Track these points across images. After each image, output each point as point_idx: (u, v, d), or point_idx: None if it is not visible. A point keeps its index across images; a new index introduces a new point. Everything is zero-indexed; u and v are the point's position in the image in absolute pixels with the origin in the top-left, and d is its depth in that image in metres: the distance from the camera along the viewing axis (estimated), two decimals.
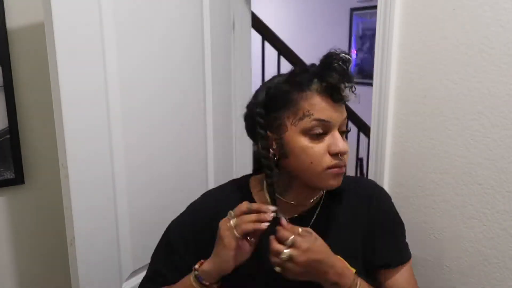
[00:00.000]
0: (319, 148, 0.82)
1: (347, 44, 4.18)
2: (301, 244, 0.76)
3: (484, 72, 1.07)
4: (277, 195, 0.88)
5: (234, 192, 0.97)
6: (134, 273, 1.31)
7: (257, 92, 0.91)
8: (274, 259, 0.77)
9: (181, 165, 1.45)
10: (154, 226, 1.36)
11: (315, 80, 0.82)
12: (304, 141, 0.82)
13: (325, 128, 0.82)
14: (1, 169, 1.40)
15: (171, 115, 1.38)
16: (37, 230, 1.51)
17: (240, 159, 1.80)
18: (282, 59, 2.85)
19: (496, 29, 1.04)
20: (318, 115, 0.81)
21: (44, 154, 1.47)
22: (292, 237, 0.76)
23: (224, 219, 0.82)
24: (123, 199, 1.24)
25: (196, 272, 0.85)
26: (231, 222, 0.80)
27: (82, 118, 1.10)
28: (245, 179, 1.00)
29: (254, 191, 0.96)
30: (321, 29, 4.41)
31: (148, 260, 1.05)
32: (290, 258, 0.75)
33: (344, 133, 0.87)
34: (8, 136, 1.39)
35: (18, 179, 1.43)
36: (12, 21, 1.36)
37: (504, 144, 1.06)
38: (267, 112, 0.86)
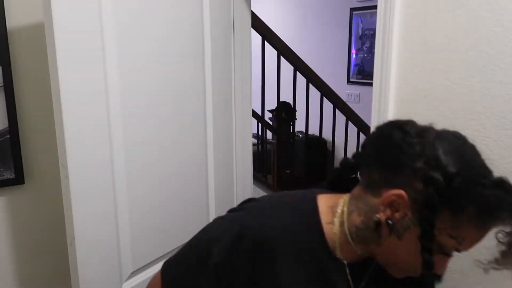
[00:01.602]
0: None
1: (347, 44, 4.18)
2: None
3: (484, 72, 1.07)
4: (350, 239, 0.76)
5: (295, 221, 0.78)
6: (134, 273, 1.31)
7: (450, 152, 0.68)
8: None
9: (181, 164, 1.45)
10: (154, 226, 1.36)
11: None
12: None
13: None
14: (1, 169, 1.40)
15: (171, 115, 1.38)
16: (37, 230, 1.51)
17: (240, 158, 1.80)
18: (282, 59, 2.85)
19: (496, 29, 1.04)
20: (464, 245, 0.71)
21: (44, 154, 1.47)
22: None
23: None
24: (123, 199, 1.24)
25: None
26: None
27: (82, 118, 1.10)
28: (312, 199, 0.81)
29: (324, 222, 0.78)
30: (321, 29, 4.41)
31: (148, 260, 1.05)
32: None
33: None
34: (8, 136, 1.39)
35: (18, 179, 1.43)
36: (12, 21, 1.36)
37: (504, 144, 1.06)
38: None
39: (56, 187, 1.21)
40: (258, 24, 2.55)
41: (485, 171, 0.69)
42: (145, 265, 1.33)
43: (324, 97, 3.20)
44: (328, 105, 3.22)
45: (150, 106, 1.30)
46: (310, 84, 3.09)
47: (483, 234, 0.69)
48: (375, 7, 1.30)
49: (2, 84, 1.36)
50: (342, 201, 0.79)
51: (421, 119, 1.22)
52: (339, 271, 0.78)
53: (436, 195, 0.65)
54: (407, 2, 1.19)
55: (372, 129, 1.33)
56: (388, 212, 0.70)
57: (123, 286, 1.28)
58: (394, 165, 0.70)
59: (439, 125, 1.19)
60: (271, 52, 2.82)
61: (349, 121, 3.39)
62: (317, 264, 0.76)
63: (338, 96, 3.31)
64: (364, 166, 0.78)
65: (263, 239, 0.74)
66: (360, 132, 3.43)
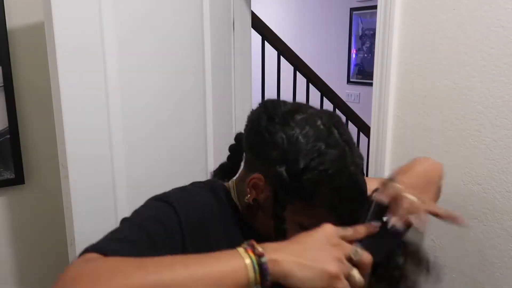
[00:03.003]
0: (297, 233, 0.74)
1: (347, 44, 4.17)
2: None
3: (484, 72, 1.07)
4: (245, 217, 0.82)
5: (219, 203, 0.82)
6: None
7: (299, 145, 0.70)
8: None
9: (182, 164, 1.45)
10: None
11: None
12: (291, 228, 0.73)
13: None
14: (1, 169, 1.40)
15: (171, 114, 1.38)
16: (37, 230, 1.51)
17: None
18: (282, 59, 2.85)
19: (496, 29, 1.04)
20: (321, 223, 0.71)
21: (44, 154, 1.47)
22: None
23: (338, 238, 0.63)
24: (123, 199, 1.24)
25: (263, 259, 0.55)
26: (355, 272, 0.60)
27: (82, 118, 1.10)
28: (221, 187, 0.85)
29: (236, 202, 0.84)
30: (321, 29, 4.40)
31: None
32: None
33: None
34: (8, 136, 1.39)
35: (18, 179, 1.43)
36: (12, 21, 1.36)
37: (504, 144, 1.06)
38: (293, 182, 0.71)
39: (56, 187, 1.21)
40: (258, 24, 2.54)
41: (338, 164, 0.70)
42: None
43: (324, 97, 3.19)
44: (328, 105, 3.22)
45: (150, 106, 1.30)
46: (310, 84, 3.09)
47: (335, 215, 0.72)
48: (375, 7, 1.30)
49: (2, 84, 1.36)
50: (232, 184, 0.85)
51: (421, 119, 1.22)
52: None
53: (281, 189, 0.70)
54: (407, 2, 1.19)
55: (372, 128, 1.33)
56: (254, 193, 0.75)
57: None
58: (258, 151, 0.75)
59: (439, 125, 1.19)
60: (271, 52, 2.81)
61: (349, 121, 3.38)
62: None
63: (338, 96, 3.31)
64: (244, 148, 0.82)
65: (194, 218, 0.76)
66: (360, 132, 3.43)
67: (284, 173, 0.70)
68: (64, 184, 1.10)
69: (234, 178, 0.88)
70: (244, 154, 0.84)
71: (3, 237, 1.46)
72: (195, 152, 1.52)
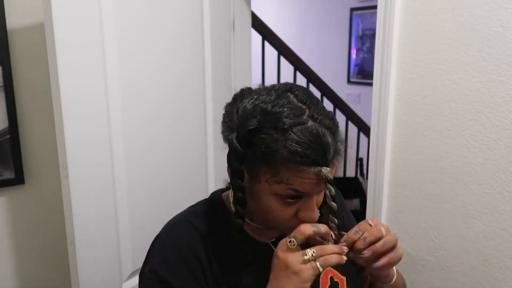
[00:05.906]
0: (288, 212, 0.71)
1: (347, 44, 4.18)
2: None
3: (484, 72, 1.07)
4: (246, 219, 0.79)
5: (210, 215, 0.84)
6: (134, 273, 1.31)
7: (247, 111, 0.71)
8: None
9: (181, 165, 1.45)
10: (154, 226, 1.36)
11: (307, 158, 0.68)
12: (274, 202, 0.71)
13: (300, 196, 0.71)
14: (1, 169, 1.40)
15: (171, 114, 1.38)
16: (37, 230, 1.51)
17: None
18: (282, 59, 2.85)
19: (496, 29, 1.04)
20: (297, 186, 0.68)
21: (44, 154, 1.47)
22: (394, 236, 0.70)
23: (284, 246, 0.67)
24: (123, 199, 1.24)
25: None
26: (309, 253, 0.65)
27: (82, 117, 1.10)
28: (217, 198, 0.87)
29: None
30: (321, 29, 4.40)
31: None
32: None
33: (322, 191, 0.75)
34: (8, 136, 1.38)
35: (18, 179, 1.43)
36: (12, 21, 1.36)
37: (504, 144, 1.06)
38: (246, 148, 0.70)
39: (56, 187, 1.21)
40: (258, 24, 2.54)
41: (289, 120, 0.67)
42: None
43: (324, 97, 3.20)
44: (328, 105, 3.22)
45: (150, 106, 1.30)
46: (310, 84, 3.09)
47: (302, 173, 0.67)
48: (375, 7, 1.30)
49: (2, 84, 1.35)
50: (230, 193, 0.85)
51: (421, 119, 1.22)
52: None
53: (235, 156, 0.69)
54: (407, 2, 1.19)
55: (372, 128, 1.33)
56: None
57: (123, 286, 1.28)
58: (224, 137, 0.76)
59: (439, 125, 1.19)
60: (271, 52, 2.81)
61: (349, 121, 3.38)
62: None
63: (338, 96, 3.31)
64: None
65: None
66: (360, 132, 3.43)
67: (234, 139, 0.69)
68: (64, 184, 1.10)
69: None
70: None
71: (3, 237, 1.46)
72: (195, 151, 1.52)
